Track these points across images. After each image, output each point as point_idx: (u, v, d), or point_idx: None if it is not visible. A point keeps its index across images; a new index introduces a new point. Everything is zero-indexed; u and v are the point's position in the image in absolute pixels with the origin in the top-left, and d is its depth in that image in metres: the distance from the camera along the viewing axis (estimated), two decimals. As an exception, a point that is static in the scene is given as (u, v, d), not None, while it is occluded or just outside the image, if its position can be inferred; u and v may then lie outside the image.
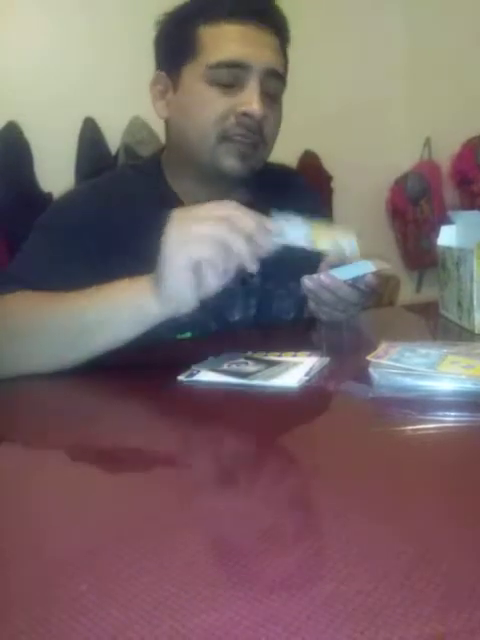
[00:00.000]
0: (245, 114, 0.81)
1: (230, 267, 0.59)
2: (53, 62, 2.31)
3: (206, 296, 0.60)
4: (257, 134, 0.83)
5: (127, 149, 2.28)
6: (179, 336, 0.84)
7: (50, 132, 2.22)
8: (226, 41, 0.81)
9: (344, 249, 0.66)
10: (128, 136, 2.30)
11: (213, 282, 0.59)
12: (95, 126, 2.35)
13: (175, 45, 0.85)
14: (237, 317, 0.91)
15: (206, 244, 0.57)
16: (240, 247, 0.58)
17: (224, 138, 0.83)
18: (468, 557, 0.29)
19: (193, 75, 0.83)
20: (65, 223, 0.84)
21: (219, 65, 0.81)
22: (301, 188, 1.08)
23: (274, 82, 0.84)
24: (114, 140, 2.35)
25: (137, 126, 2.30)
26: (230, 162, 0.84)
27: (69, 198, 0.92)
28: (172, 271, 0.59)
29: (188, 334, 0.84)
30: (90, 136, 2.35)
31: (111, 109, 2.23)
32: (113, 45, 2.29)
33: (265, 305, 0.94)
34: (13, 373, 0.67)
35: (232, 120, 0.82)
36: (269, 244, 0.60)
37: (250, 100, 0.81)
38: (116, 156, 2.34)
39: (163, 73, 0.87)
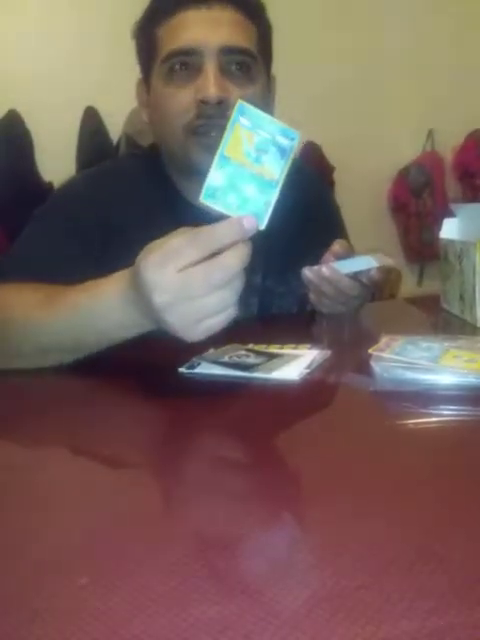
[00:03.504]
0: (203, 101, 0.77)
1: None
2: (54, 51, 2.29)
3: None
4: (221, 119, 0.75)
5: (128, 139, 2.27)
6: None
7: (51, 121, 2.21)
8: (174, 32, 0.79)
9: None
10: (129, 126, 2.29)
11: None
12: (96, 115, 2.34)
13: (143, 52, 0.85)
14: (237, 315, 0.90)
15: (219, 316, 0.52)
16: (238, 289, 0.52)
17: (189, 132, 0.79)
18: (470, 551, 0.29)
19: (155, 76, 0.82)
20: (66, 211, 0.84)
21: (169, 57, 0.79)
22: (322, 202, 1.05)
23: (238, 58, 0.79)
24: (115, 130, 2.34)
25: (138, 116, 2.26)
26: (199, 157, 0.78)
27: (70, 186, 0.92)
28: (186, 336, 0.53)
29: None
30: (91, 125, 2.34)
31: (112, 98, 2.21)
32: (115, 34, 2.27)
33: (266, 303, 0.94)
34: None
35: (193, 111, 0.78)
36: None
37: (204, 85, 0.76)
38: (117, 146, 2.33)
39: (142, 80, 0.88)
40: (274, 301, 0.94)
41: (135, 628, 0.24)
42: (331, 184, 2.69)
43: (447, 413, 0.50)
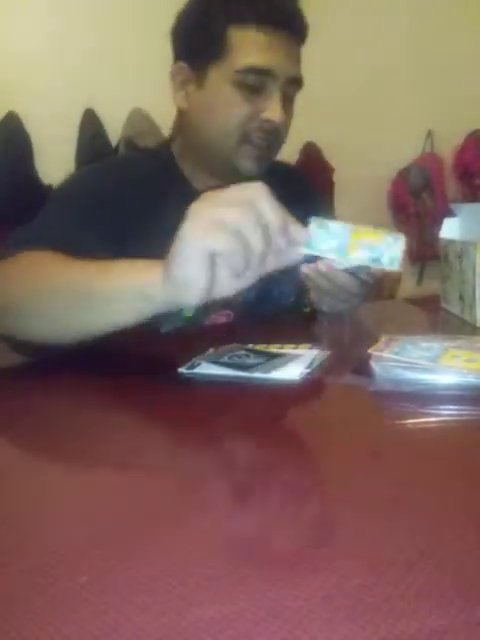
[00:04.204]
0: (267, 121, 0.86)
1: (248, 271, 0.53)
2: (54, 53, 2.30)
3: (218, 296, 0.54)
4: (274, 136, 0.88)
5: (127, 141, 2.27)
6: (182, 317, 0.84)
7: (50, 123, 2.22)
8: (256, 47, 0.83)
9: (383, 254, 0.55)
10: (128, 128, 2.29)
11: (227, 283, 0.53)
12: (95, 118, 2.34)
13: (201, 41, 0.86)
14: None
15: (225, 234, 0.51)
16: (256, 244, 0.51)
17: (245, 141, 0.87)
18: (469, 551, 0.29)
19: (220, 75, 0.85)
20: (87, 191, 0.86)
21: (248, 71, 0.83)
22: (306, 187, 1.11)
23: (293, 88, 0.88)
24: (114, 132, 2.35)
25: (137, 118, 2.29)
26: (247, 163, 0.89)
27: (87, 172, 0.95)
28: (184, 256, 0.52)
29: (188, 314, 0.86)
30: (90, 128, 2.34)
31: (111, 101, 2.22)
32: (114, 37, 2.28)
33: (265, 287, 0.94)
34: (8, 333, 0.67)
35: (255, 124, 0.86)
36: (291, 254, 0.54)
37: (273, 108, 0.85)
38: (116, 148, 2.34)
39: (185, 65, 0.88)
40: (273, 286, 0.95)
41: (135, 627, 0.24)
42: (330, 185, 2.69)
43: (446, 413, 0.50)
